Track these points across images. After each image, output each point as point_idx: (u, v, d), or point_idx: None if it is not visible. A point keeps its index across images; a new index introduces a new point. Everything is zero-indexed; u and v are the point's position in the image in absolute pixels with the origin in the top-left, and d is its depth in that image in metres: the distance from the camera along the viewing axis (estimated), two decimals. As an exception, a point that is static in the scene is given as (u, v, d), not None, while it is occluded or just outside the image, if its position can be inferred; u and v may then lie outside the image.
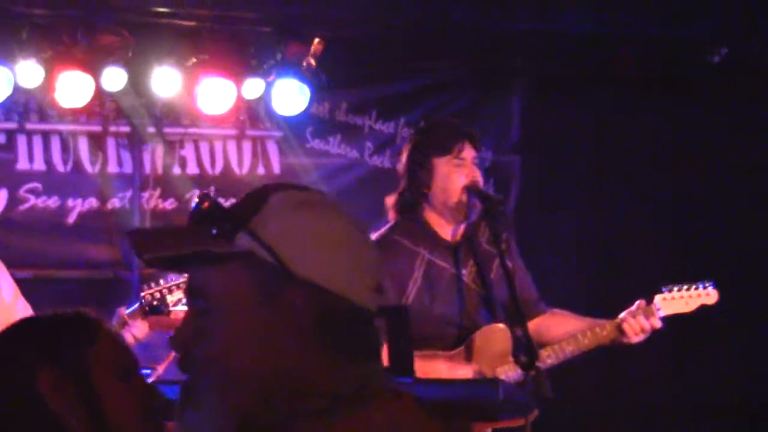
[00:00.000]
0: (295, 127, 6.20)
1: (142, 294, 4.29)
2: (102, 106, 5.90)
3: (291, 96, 5.78)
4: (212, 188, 6.12)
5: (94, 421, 1.86)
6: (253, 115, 6.20)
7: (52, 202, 5.93)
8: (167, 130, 6.07)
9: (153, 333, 4.26)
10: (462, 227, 4.25)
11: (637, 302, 4.34)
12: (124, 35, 5.52)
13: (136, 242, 1.52)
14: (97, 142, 6.00)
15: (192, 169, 6.18)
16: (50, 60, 5.46)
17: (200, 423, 1.46)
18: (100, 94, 5.66)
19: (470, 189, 4.13)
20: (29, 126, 5.90)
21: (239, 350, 1.45)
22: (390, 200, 4.32)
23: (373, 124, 6.37)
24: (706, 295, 4.51)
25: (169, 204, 6.10)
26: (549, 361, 4.18)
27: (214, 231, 1.47)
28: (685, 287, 4.48)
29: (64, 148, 5.96)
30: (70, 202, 5.96)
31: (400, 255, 4.17)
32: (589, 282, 6.09)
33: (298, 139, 6.26)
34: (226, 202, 1.80)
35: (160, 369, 4.25)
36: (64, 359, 1.91)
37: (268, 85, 5.78)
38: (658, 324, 4.31)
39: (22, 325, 2.06)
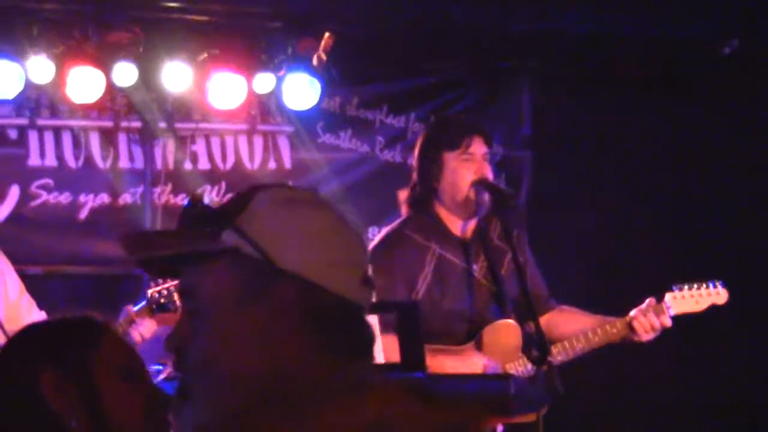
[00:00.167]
0: (306, 121, 6.18)
1: (149, 292, 4.29)
2: (113, 101, 5.89)
3: (302, 91, 5.77)
4: (223, 183, 6.13)
5: (95, 422, 1.87)
6: (264, 110, 6.19)
7: (64, 197, 5.93)
8: (178, 125, 6.06)
9: (165, 329, 4.26)
10: (473, 222, 4.23)
11: (647, 300, 4.32)
12: (135, 31, 5.53)
13: (128, 244, 1.52)
14: (108, 137, 6.00)
15: (203, 164, 6.17)
16: (61, 56, 5.46)
17: (196, 422, 1.46)
18: (111, 89, 5.66)
19: (479, 184, 4.11)
20: (40, 122, 5.89)
21: (232, 350, 1.45)
22: (403, 194, 4.31)
23: (384, 119, 6.36)
24: (717, 294, 4.47)
25: (181, 199, 6.08)
26: (559, 358, 4.16)
27: (203, 231, 1.47)
28: (696, 286, 4.43)
29: (76, 144, 5.95)
30: (81, 198, 5.95)
31: (411, 250, 4.16)
32: (589, 282, 6.06)
33: (309, 133, 6.24)
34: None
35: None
36: (67, 361, 1.92)
37: (279, 80, 5.77)
38: (669, 322, 4.29)
39: (29, 328, 2.08)
